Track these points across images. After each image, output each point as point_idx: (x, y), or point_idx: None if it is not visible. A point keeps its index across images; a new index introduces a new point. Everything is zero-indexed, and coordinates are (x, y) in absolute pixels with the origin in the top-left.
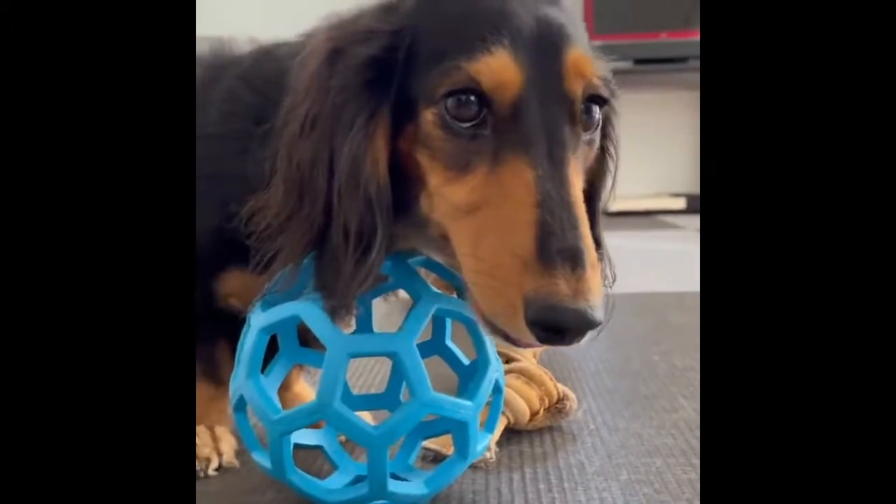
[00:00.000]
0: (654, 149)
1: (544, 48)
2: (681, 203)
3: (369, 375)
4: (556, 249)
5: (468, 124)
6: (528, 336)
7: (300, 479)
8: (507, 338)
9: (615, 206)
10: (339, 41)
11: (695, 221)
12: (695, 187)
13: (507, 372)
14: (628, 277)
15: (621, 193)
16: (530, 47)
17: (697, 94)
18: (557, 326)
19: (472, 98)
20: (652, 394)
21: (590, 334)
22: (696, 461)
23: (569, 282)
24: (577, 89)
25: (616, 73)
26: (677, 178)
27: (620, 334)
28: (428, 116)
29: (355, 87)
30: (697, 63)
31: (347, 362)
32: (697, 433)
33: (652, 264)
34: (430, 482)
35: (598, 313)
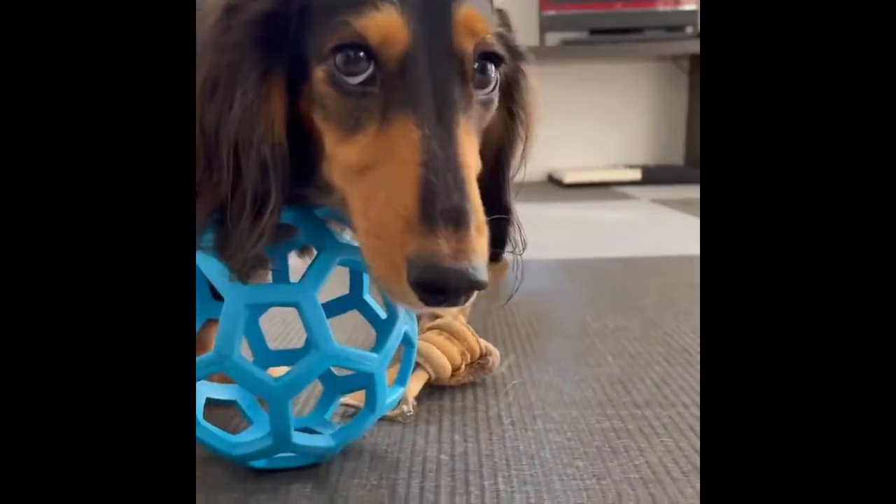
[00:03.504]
0: (610, 121)
1: (433, 4)
2: (636, 174)
3: (293, 331)
4: (440, 210)
5: (357, 80)
6: (412, 297)
7: (203, 432)
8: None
9: (571, 178)
10: None
11: (649, 192)
12: (650, 159)
13: (430, 328)
14: (580, 245)
15: (577, 165)
16: (419, 4)
17: (653, 65)
18: (437, 286)
19: (361, 54)
20: (579, 351)
21: (474, 295)
22: (612, 411)
23: (450, 242)
24: (467, 46)
25: (571, 43)
26: (633, 149)
27: (558, 297)
28: (319, 74)
29: (248, 45)
30: (654, 34)
31: (246, 313)
32: (618, 387)
33: (604, 233)
34: (337, 435)
35: (481, 274)
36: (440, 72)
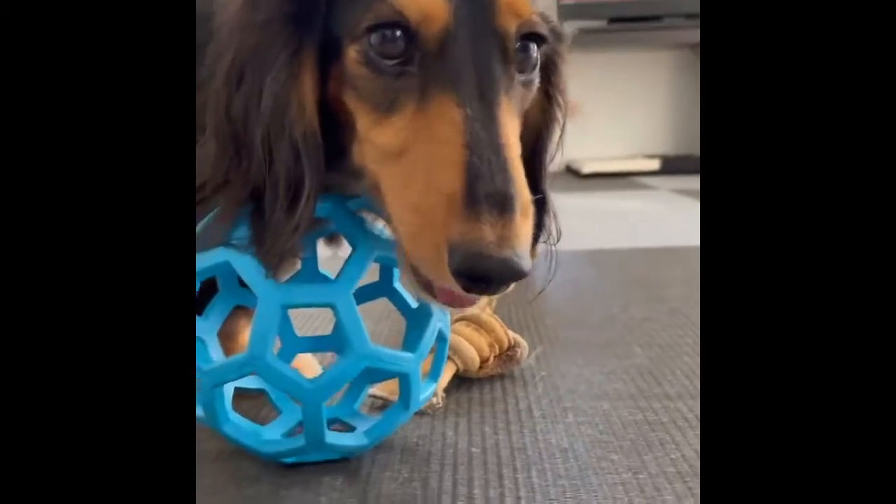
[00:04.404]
0: (629, 110)
1: None
2: (655, 164)
3: (319, 318)
4: (484, 193)
5: (393, 61)
6: (453, 283)
7: (235, 430)
8: (430, 290)
9: (590, 168)
10: None
11: (669, 182)
12: (669, 148)
13: (458, 320)
14: (601, 235)
15: (596, 155)
16: None
17: (672, 53)
18: (481, 275)
19: (398, 33)
20: (607, 343)
21: (515, 284)
22: (644, 403)
23: (494, 228)
24: (509, 26)
25: (590, 32)
26: (652, 139)
27: (583, 287)
28: (352, 54)
29: (278, 22)
30: (672, 21)
31: (280, 313)
32: (648, 379)
33: (624, 223)
34: (370, 433)
35: (525, 262)
36: (482, 51)
